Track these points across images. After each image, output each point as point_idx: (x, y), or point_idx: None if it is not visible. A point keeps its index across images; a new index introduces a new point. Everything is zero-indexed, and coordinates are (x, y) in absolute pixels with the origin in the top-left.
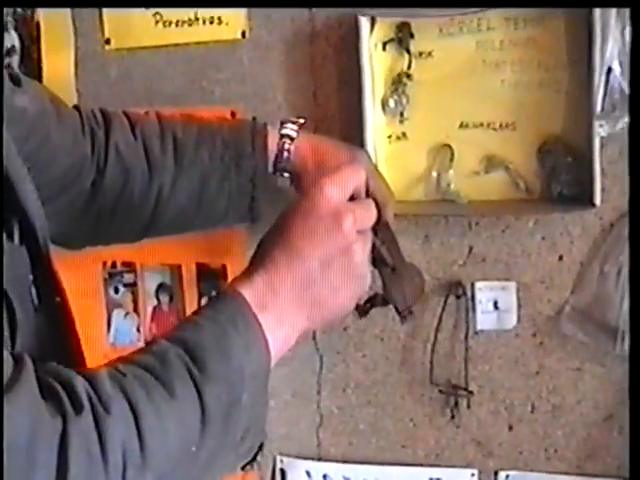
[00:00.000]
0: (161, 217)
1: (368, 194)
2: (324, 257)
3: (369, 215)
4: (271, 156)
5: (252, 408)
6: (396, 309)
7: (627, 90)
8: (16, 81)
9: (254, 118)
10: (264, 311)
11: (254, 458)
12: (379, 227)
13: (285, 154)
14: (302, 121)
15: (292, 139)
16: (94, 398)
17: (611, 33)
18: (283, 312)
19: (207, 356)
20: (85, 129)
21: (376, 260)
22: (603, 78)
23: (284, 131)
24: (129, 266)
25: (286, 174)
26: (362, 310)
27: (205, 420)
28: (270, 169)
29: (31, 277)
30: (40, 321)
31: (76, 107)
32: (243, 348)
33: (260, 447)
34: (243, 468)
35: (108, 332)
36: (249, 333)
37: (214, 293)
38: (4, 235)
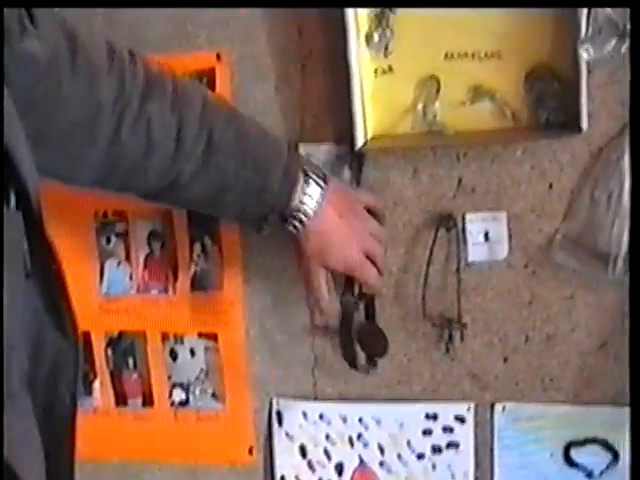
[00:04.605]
0: (171, 197)
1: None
2: None
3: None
4: (291, 204)
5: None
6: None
7: (612, 13)
8: (31, 19)
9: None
10: None
11: None
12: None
13: (300, 215)
14: (323, 185)
15: (310, 210)
16: None
17: None
18: None
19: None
20: (114, 73)
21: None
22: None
23: (308, 190)
24: (120, 215)
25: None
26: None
27: None
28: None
29: (25, 244)
30: (32, 288)
31: (108, 44)
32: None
33: None
34: None
35: (101, 282)
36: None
37: (206, 237)
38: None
